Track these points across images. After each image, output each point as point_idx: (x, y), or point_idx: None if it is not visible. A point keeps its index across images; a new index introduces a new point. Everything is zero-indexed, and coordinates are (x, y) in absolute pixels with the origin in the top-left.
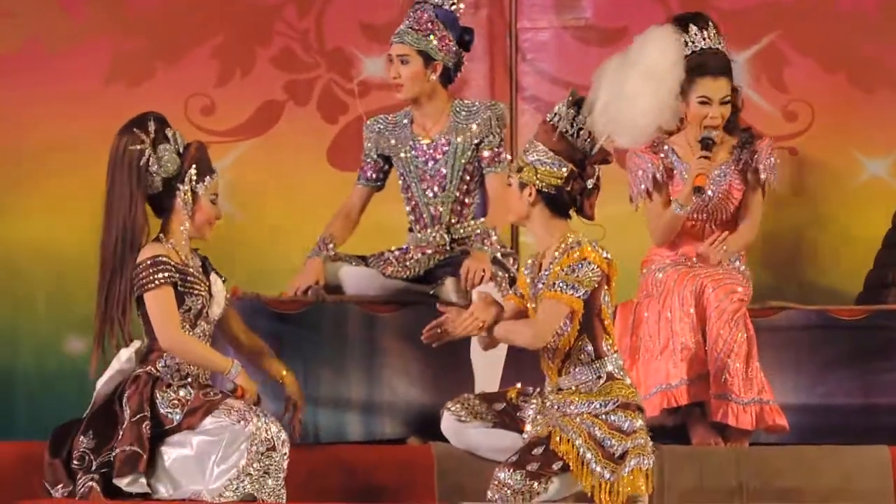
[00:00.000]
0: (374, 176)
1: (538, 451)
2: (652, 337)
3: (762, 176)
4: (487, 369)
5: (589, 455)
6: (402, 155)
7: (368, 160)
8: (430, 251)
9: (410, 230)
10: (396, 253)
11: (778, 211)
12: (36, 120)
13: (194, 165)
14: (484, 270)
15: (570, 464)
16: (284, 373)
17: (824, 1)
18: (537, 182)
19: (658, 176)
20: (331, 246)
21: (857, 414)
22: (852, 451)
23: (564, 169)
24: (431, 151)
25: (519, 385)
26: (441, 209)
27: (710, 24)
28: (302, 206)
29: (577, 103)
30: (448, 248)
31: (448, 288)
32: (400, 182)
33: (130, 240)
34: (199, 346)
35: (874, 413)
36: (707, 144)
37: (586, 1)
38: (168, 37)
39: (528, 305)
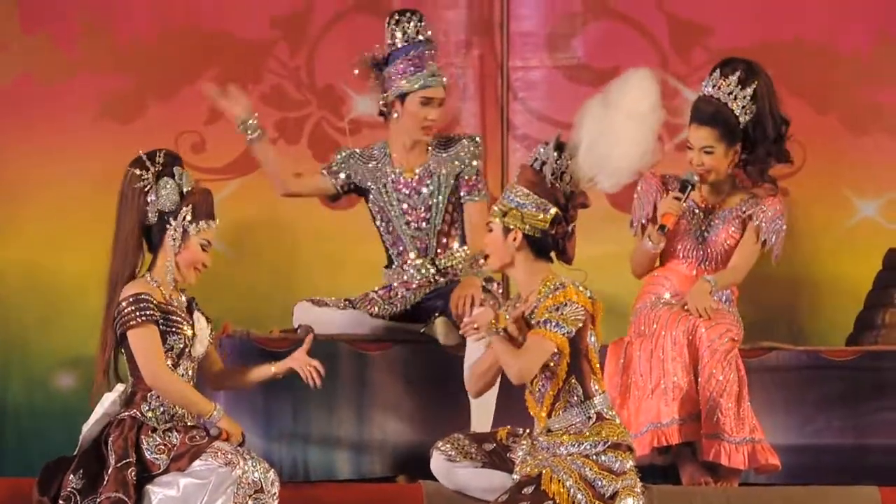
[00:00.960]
0: (338, 185)
1: (528, 490)
2: (643, 375)
3: (762, 237)
4: (480, 408)
5: (580, 496)
6: (383, 188)
7: (337, 175)
8: (414, 285)
9: (388, 266)
10: (381, 292)
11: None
12: (26, 155)
13: (191, 206)
14: (472, 297)
15: None
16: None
17: (817, 43)
18: (523, 226)
19: (647, 210)
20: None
21: (848, 454)
22: (842, 492)
23: (550, 213)
24: (415, 184)
25: (509, 427)
26: (427, 241)
27: (737, 72)
28: (292, 245)
29: (560, 147)
30: (433, 280)
31: (439, 328)
32: (377, 217)
33: (126, 267)
34: (182, 385)
35: (864, 453)
36: (685, 186)
37: (577, 40)
38: (159, 74)
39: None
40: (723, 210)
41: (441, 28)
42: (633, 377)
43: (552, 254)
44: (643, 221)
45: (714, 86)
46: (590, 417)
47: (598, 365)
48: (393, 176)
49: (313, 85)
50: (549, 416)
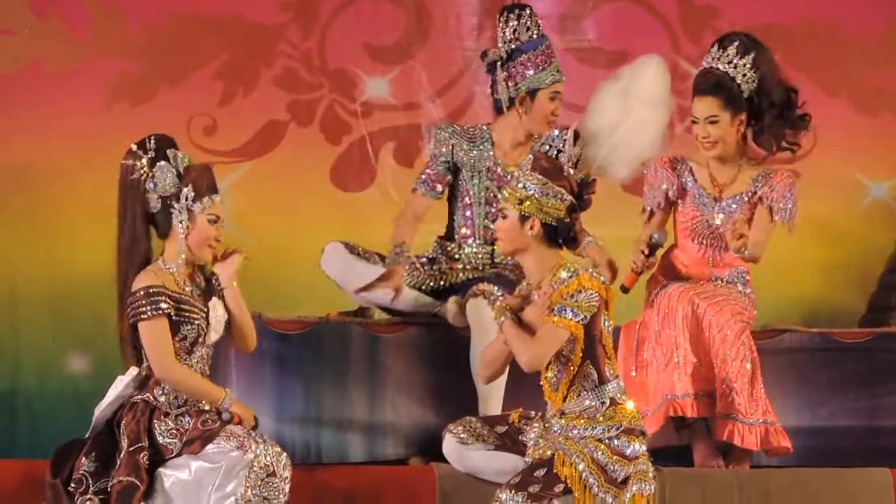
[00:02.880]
0: (440, 189)
1: (540, 472)
2: (656, 351)
3: (775, 217)
4: (490, 392)
5: (592, 479)
6: (478, 174)
7: (438, 168)
8: (460, 266)
9: (448, 238)
10: (424, 261)
11: (781, 233)
12: (38, 140)
13: (191, 185)
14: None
15: (573, 487)
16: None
17: (826, 24)
18: (541, 215)
19: (670, 193)
20: (406, 250)
21: (861, 436)
22: (855, 474)
23: (566, 201)
24: (508, 179)
25: (521, 410)
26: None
27: (735, 43)
28: (305, 227)
29: (577, 135)
30: (481, 267)
31: (449, 306)
32: (458, 197)
33: (134, 260)
34: (191, 377)
35: (877, 435)
36: (654, 249)
37: (589, 23)
38: (170, 57)
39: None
40: (733, 196)
41: (454, 11)
42: (648, 353)
43: (561, 241)
44: (653, 209)
45: (714, 58)
46: (603, 402)
47: (612, 349)
48: (491, 165)
49: (325, 68)
50: (564, 400)
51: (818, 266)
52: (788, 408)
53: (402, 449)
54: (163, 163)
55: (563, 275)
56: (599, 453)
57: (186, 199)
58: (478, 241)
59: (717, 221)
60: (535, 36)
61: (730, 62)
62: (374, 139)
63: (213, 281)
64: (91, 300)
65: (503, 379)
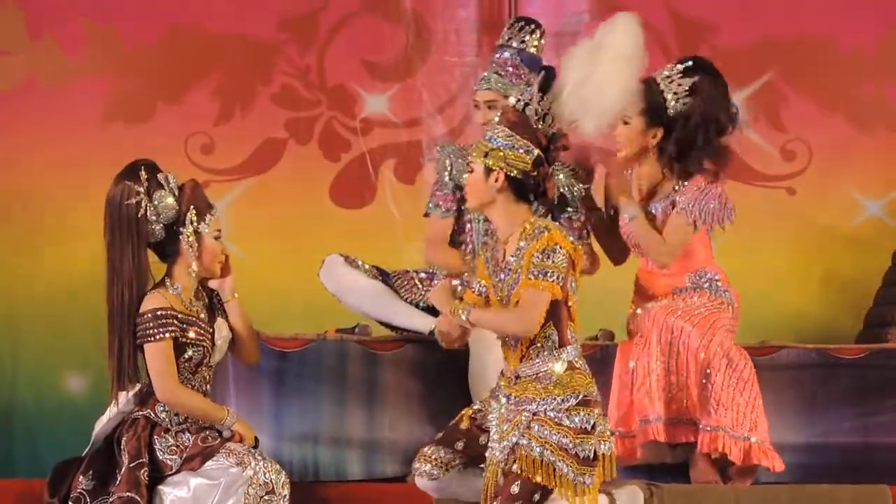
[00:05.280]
0: (452, 206)
1: (515, 489)
2: (635, 374)
3: (690, 218)
4: (480, 384)
5: (565, 468)
6: None
7: (445, 190)
8: (456, 281)
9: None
10: (423, 276)
11: (777, 250)
12: (34, 159)
13: (192, 206)
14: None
15: (548, 484)
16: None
17: (823, 40)
18: (505, 167)
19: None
20: (461, 274)
21: (857, 453)
22: (852, 491)
23: (533, 154)
24: None
25: (468, 410)
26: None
27: (687, 63)
28: (304, 245)
29: (544, 88)
30: None
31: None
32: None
33: (137, 295)
34: (194, 399)
35: (874, 452)
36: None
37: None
38: (167, 75)
39: (493, 295)
40: (654, 201)
41: (453, 27)
42: (627, 373)
43: (531, 196)
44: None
45: (662, 69)
46: (563, 364)
47: (576, 312)
48: None
49: (324, 85)
50: (521, 360)
51: (814, 282)
52: (785, 424)
53: (400, 466)
54: (160, 191)
55: (534, 229)
56: (565, 439)
57: (192, 223)
58: (472, 254)
59: (624, 215)
60: (512, 45)
61: (668, 76)
62: (374, 156)
63: (215, 298)
64: (89, 319)
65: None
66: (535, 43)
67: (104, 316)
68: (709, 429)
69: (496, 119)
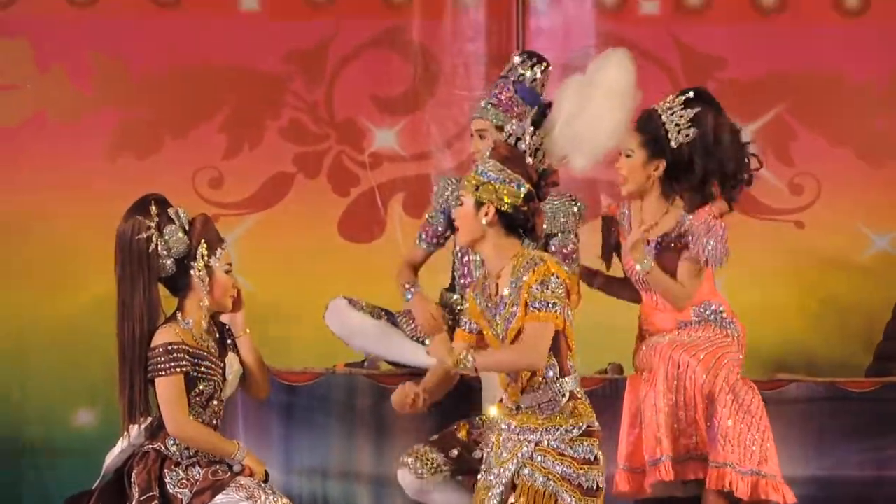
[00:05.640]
0: (434, 240)
1: None
2: (643, 409)
3: (702, 259)
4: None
5: (568, 498)
6: None
7: (433, 223)
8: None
9: (450, 289)
10: None
11: (785, 283)
12: (42, 192)
13: (203, 240)
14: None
15: None
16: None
17: (831, 75)
18: (496, 201)
19: (611, 240)
20: (417, 286)
21: (867, 486)
22: None
23: (524, 189)
24: None
25: (466, 422)
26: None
27: (688, 94)
28: (313, 279)
29: (536, 123)
30: None
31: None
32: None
33: (149, 329)
34: (205, 433)
35: (883, 485)
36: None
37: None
38: (175, 109)
39: (487, 332)
40: (660, 236)
41: (461, 61)
42: (636, 410)
43: (521, 231)
44: (603, 258)
45: (663, 101)
46: (563, 395)
47: (573, 342)
48: None
49: (332, 119)
50: (522, 392)
51: (822, 316)
52: (795, 457)
53: (410, 500)
54: (171, 226)
55: (528, 261)
56: (566, 468)
57: (203, 257)
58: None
59: (638, 269)
60: (511, 77)
61: (669, 108)
62: (382, 190)
63: (226, 332)
64: (97, 352)
65: None
66: (535, 77)
67: (114, 350)
68: (716, 465)
69: (487, 153)
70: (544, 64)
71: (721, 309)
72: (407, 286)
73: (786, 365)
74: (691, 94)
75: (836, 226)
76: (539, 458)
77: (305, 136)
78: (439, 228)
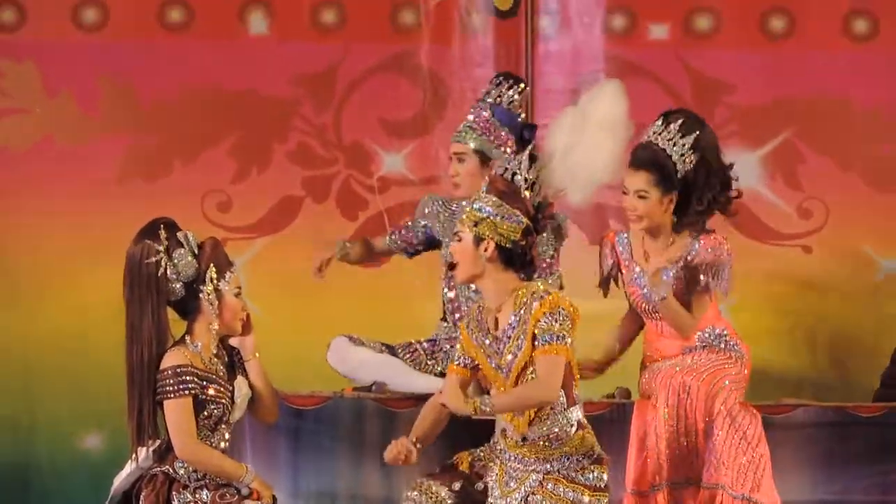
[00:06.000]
0: (402, 245)
1: None
2: (648, 435)
3: (712, 289)
4: None
5: None
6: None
7: (410, 230)
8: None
9: (444, 320)
10: (426, 345)
11: (792, 308)
12: (49, 216)
13: (212, 264)
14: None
15: None
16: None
17: (839, 99)
18: (495, 237)
19: (606, 270)
20: (348, 245)
21: None
22: None
23: (522, 223)
24: None
25: (467, 454)
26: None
27: (679, 121)
28: (321, 303)
29: (532, 157)
30: None
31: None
32: (443, 269)
33: (157, 353)
34: (213, 456)
35: None
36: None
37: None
38: (184, 133)
39: (486, 365)
40: (670, 265)
41: (469, 85)
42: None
43: (518, 265)
44: (601, 286)
45: (654, 132)
46: (572, 425)
47: (578, 372)
48: None
49: (340, 143)
50: (529, 424)
51: (830, 340)
52: (802, 482)
53: None
54: (180, 250)
55: (532, 294)
56: (580, 495)
57: (213, 281)
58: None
59: (654, 298)
60: (488, 100)
61: (670, 139)
62: (391, 214)
63: (235, 355)
64: (104, 376)
65: None
66: (512, 99)
67: (121, 373)
68: (708, 486)
69: (485, 188)
70: (521, 85)
71: (725, 332)
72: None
73: (793, 389)
74: (679, 118)
75: (843, 250)
76: (550, 485)
77: (314, 160)
78: (413, 240)
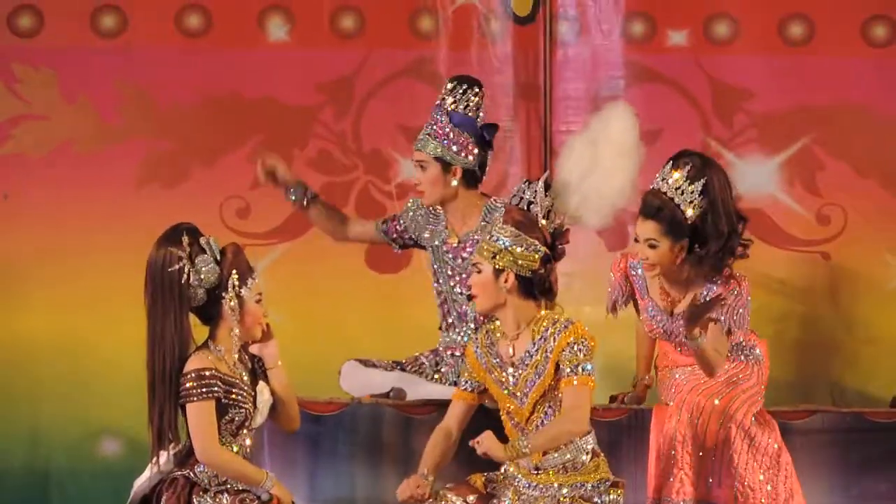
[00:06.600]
0: (393, 234)
1: None
2: (671, 445)
3: (725, 328)
4: None
5: None
6: (435, 247)
7: (399, 223)
8: (460, 352)
9: (440, 328)
10: (429, 356)
11: (810, 315)
12: (66, 222)
13: (234, 270)
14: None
15: None
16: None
17: (858, 105)
18: (515, 267)
19: (619, 302)
20: (311, 192)
21: None
22: None
23: (540, 252)
24: (459, 250)
25: (482, 475)
26: (467, 308)
27: (687, 167)
28: (340, 309)
29: (547, 185)
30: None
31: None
32: (431, 275)
33: (179, 359)
34: (234, 460)
35: None
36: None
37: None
38: (202, 139)
39: (496, 390)
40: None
41: (489, 93)
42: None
43: (537, 293)
44: (612, 305)
45: (663, 179)
46: (586, 453)
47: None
48: (444, 236)
49: (360, 149)
50: (544, 453)
51: (848, 346)
52: (821, 488)
53: None
54: (203, 256)
55: (554, 324)
56: None
57: (235, 287)
58: (454, 319)
59: (676, 340)
60: (444, 106)
61: (678, 188)
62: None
63: (257, 363)
64: (121, 380)
65: None
66: (468, 102)
67: (139, 378)
68: None
69: (501, 218)
70: (476, 87)
71: (740, 340)
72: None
73: (811, 395)
74: (688, 164)
75: (862, 256)
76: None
77: (333, 167)
78: (405, 235)
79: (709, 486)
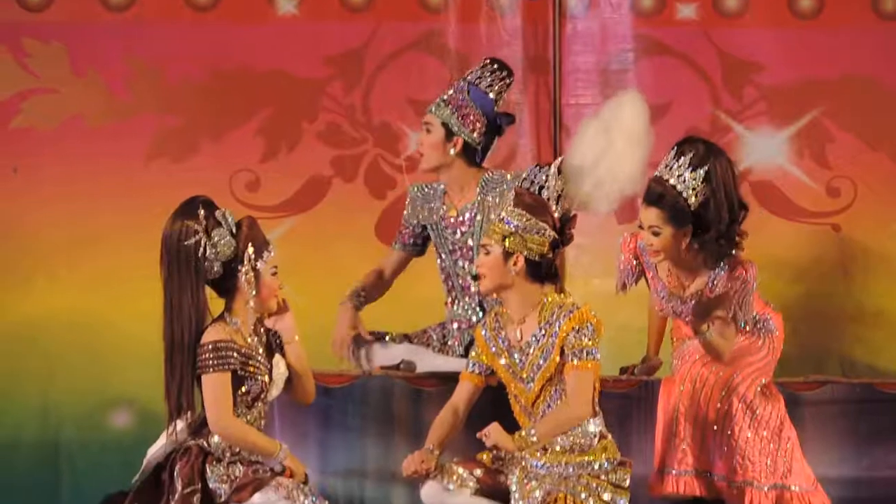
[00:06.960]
0: (410, 241)
1: None
2: (674, 417)
3: (730, 312)
4: None
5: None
6: (434, 223)
7: (407, 226)
8: (465, 325)
9: (447, 303)
10: (436, 329)
11: (820, 287)
12: (78, 197)
13: (250, 243)
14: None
15: None
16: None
17: (867, 79)
18: (525, 251)
19: (628, 281)
20: (363, 296)
21: None
22: None
23: (549, 237)
24: (457, 224)
25: (489, 452)
26: (470, 281)
27: (690, 153)
28: (348, 282)
29: (559, 170)
30: (474, 321)
31: None
32: (435, 252)
33: (196, 331)
34: (247, 432)
35: None
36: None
37: (630, 77)
38: (212, 113)
39: (504, 373)
40: (693, 294)
41: None
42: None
43: (544, 277)
44: (622, 284)
45: (666, 166)
46: (594, 436)
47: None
48: (442, 211)
49: (369, 122)
50: None
51: (858, 318)
52: (831, 458)
53: None
54: (219, 229)
55: (560, 308)
56: (605, 493)
57: (251, 260)
58: (458, 293)
59: (686, 320)
60: (468, 79)
61: (680, 175)
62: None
63: (273, 336)
64: (135, 354)
65: None
66: (492, 82)
67: (153, 350)
68: (735, 486)
69: (512, 200)
70: (506, 74)
71: (765, 313)
72: (351, 295)
73: (821, 366)
74: (690, 150)
75: (871, 228)
76: (572, 480)
77: (342, 140)
78: (416, 230)
79: (711, 458)
